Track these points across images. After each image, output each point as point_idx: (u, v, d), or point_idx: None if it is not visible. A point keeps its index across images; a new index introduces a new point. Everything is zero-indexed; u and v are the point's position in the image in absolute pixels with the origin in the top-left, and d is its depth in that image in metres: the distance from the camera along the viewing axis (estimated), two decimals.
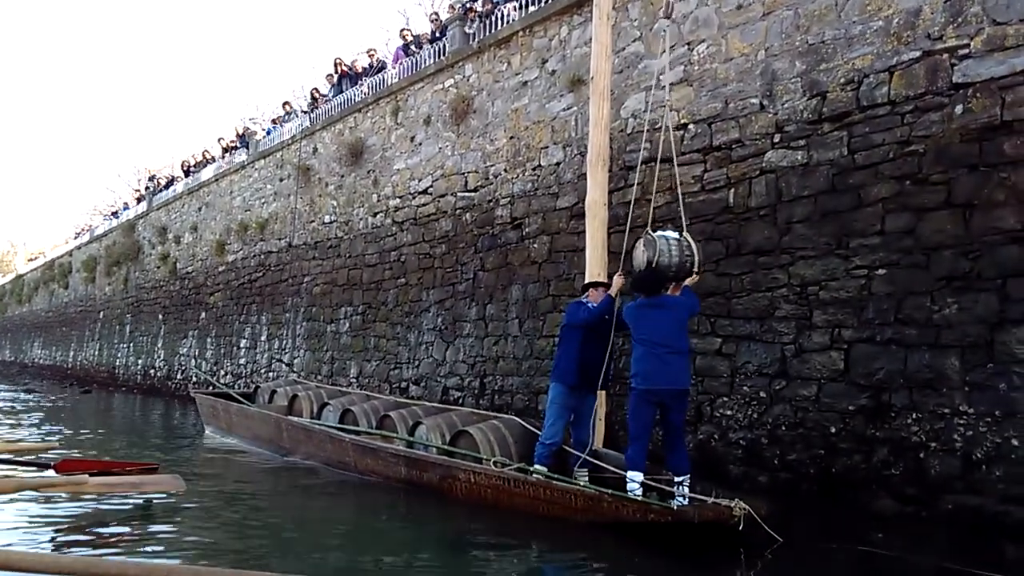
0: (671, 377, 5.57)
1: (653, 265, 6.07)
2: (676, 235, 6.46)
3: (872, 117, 6.33)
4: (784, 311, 6.72)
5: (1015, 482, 5.12)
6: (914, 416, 5.73)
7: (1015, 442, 5.17)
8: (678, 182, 7.03)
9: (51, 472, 6.42)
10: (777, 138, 7.01)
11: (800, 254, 6.68)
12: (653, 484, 5.57)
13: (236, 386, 14.89)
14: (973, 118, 5.69)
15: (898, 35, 6.22)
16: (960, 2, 5.85)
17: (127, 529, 5.76)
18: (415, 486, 6.83)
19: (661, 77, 7.68)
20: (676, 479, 5.53)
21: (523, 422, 7.24)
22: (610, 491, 5.27)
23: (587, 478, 6.32)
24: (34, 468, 6.83)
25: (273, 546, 5.41)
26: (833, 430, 6.20)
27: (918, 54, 6.08)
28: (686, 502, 5.36)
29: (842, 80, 6.57)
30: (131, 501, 6.36)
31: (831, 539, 5.34)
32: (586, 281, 7.22)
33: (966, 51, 5.80)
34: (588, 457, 6.39)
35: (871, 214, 6.23)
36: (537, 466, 6.23)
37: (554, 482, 5.65)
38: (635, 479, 5.45)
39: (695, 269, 6.41)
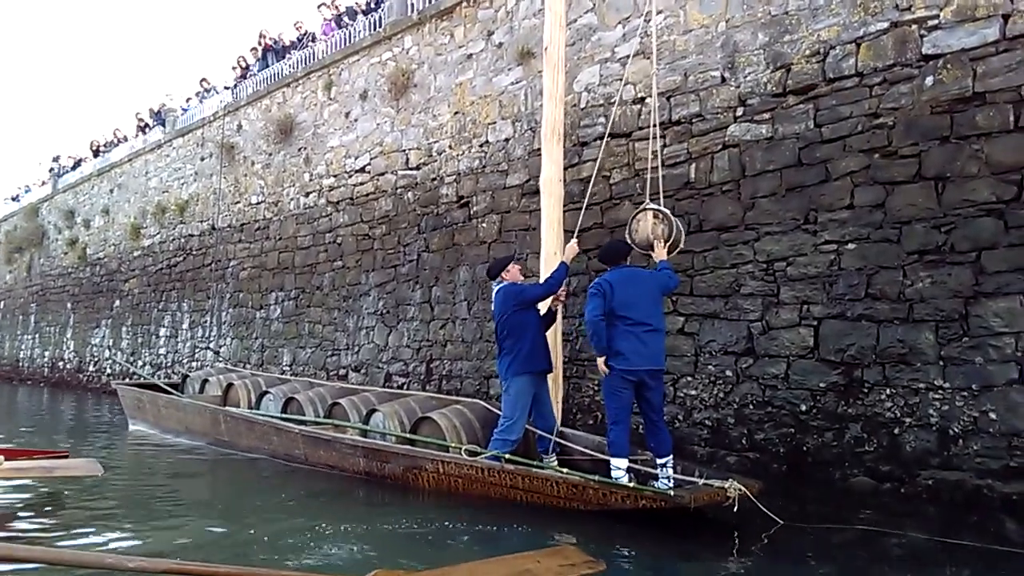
0: (650, 356, 5.32)
1: (670, 240, 5.91)
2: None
3: (839, 89, 6.22)
4: (750, 288, 6.59)
5: (993, 456, 5.10)
6: (887, 392, 5.67)
7: (992, 416, 5.15)
8: (660, 157, 6.66)
9: None
10: (740, 111, 6.86)
11: (766, 230, 6.55)
12: (633, 467, 5.34)
13: (156, 377, 14.08)
14: (944, 90, 5.64)
15: (865, 5, 6.12)
16: None
17: (44, 517, 5.41)
18: (375, 478, 6.44)
19: (644, 38, 7.41)
20: (659, 461, 5.30)
21: (487, 405, 6.91)
22: (596, 477, 5.01)
23: (556, 462, 6.07)
24: None
25: (214, 540, 4.99)
26: (803, 408, 6.11)
27: (886, 25, 5.99)
28: (670, 484, 5.15)
29: (807, 52, 6.44)
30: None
31: (806, 518, 5.22)
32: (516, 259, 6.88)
33: (935, 22, 5.73)
34: (557, 439, 6.13)
35: (839, 188, 6.14)
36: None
37: (533, 470, 5.35)
38: (620, 466, 5.17)
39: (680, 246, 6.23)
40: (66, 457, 6.61)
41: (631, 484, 4.99)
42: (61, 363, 20.35)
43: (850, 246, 6.01)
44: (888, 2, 5.99)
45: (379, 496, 6.26)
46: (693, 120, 7.19)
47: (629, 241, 6.11)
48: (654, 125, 6.61)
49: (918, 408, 5.49)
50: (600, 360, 5.44)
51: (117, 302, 17.90)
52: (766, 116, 6.66)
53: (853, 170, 6.06)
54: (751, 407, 6.43)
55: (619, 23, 7.90)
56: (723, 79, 7.01)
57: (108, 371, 17.68)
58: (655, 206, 6.11)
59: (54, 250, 21.82)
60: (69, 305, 20.35)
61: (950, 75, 5.61)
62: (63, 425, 12.47)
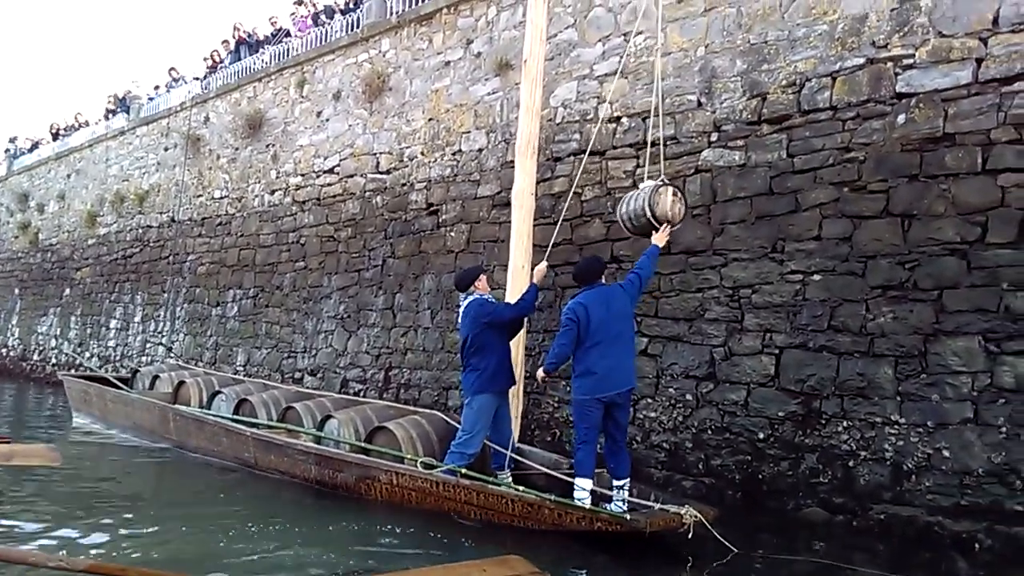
0: (622, 377, 5.30)
1: (681, 218, 5.97)
2: None
3: (813, 121, 6.28)
4: (714, 313, 6.60)
5: (945, 494, 5.15)
6: (844, 424, 5.70)
7: (946, 453, 5.20)
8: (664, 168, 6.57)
9: None
10: (714, 137, 6.88)
11: (733, 256, 6.58)
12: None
13: (104, 370, 13.71)
14: (915, 128, 5.71)
15: (842, 41, 6.19)
16: (907, 12, 5.86)
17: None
18: (327, 487, 6.29)
19: (624, 57, 7.39)
20: (616, 483, 5.26)
21: (446, 417, 6.80)
22: (552, 497, 4.95)
23: (510, 479, 6.00)
24: None
25: (158, 541, 4.87)
26: (761, 436, 6.11)
27: (862, 61, 6.07)
28: (625, 507, 5.11)
29: (783, 82, 6.50)
30: None
31: (759, 547, 5.21)
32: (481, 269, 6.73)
33: (910, 61, 5.82)
34: (513, 455, 6.06)
35: (808, 219, 6.18)
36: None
37: (490, 486, 5.26)
38: (584, 487, 5.13)
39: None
40: (7, 443, 6.37)
41: (587, 506, 4.94)
42: (4, 350, 19.72)
43: (815, 277, 6.05)
44: (865, 39, 6.06)
45: (328, 503, 6.14)
46: (667, 143, 7.18)
47: (648, 214, 5.81)
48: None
49: (873, 442, 5.52)
50: (542, 371, 5.66)
51: (67, 290, 17.43)
52: (740, 143, 6.70)
53: (822, 202, 6.11)
54: (709, 432, 6.42)
55: (599, 41, 7.91)
56: (699, 104, 7.04)
57: (53, 361, 17.18)
58: (670, 183, 6.04)
59: (4, 233, 21.20)
60: (17, 291, 19.77)
61: (922, 114, 5.69)
62: (2, 414, 12.07)
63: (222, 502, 6.17)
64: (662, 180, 5.99)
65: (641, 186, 6.11)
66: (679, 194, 5.98)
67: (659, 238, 5.91)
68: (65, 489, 6.41)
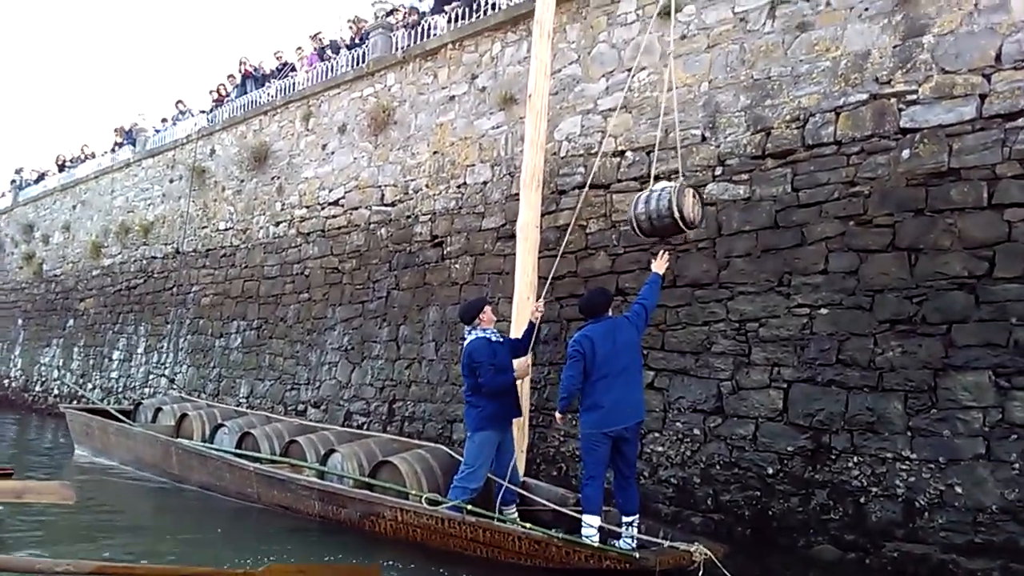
0: (630, 411, 5.27)
1: (698, 223, 5.96)
2: None
3: (817, 156, 6.30)
4: (721, 346, 6.58)
5: (958, 531, 5.08)
6: (855, 460, 5.65)
7: (959, 490, 5.14)
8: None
9: None
10: (719, 171, 6.91)
11: (740, 289, 6.56)
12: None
13: (106, 402, 13.65)
14: (920, 163, 5.73)
15: (846, 76, 6.24)
16: (909, 48, 5.91)
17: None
18: (331, 522, 6.22)
19: (628, 92, 7.43)
20: (625, 519, 5.21)
21: (450, 451, 6.75)
22: (560, 535, 4.89)
23: (516, 514, 5.94)
24: None
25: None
26: (770, 471, 6.05)
27: (865, 96, 6.11)
28: (634, 544, 5.05)
29: (787, 117, 6.53)
30: None
31: None
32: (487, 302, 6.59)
33: (914, 97, 5.85)
34: (518, 489, 6.00)
35: (814, 252, 6.18)
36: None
37: (496, 523, 5.21)
38: (592, 524, 5.08)
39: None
40: (10, 475, 6.31)
41: (595, 543, 4.88)
42: (7, 381, 19.67)
43: (823, 311, 6.04)
44: (868, 75, 6.11)
45: (330, 538, 6.09)
46: (672, 177, 7.21)
47: (676, 214, 5.73)
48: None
49: (885, 478, 5.47)
50: (558, 414, 5.70)
51: (71, 321, 17.42)
52: (744, 177, 6.72)
53: (828, 236, 6.11)
54: (718, 467, 6.36)
55: (603, 76, 7.97)
56: (703, 138, 7.07)
57: (56, 392, 17.12)
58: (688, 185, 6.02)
59: (8, 264, 21.25)
60: (20, 321, 19.76)
61: (926, 149, 5.71)
62: (3, 445, 12.00)
63: (219, 535, 6.11)
64: (681, 181, 5.96)
65: (656, 186, 6.10)
66: (698, 196, 5.98)
67: (659, 265, 5.97)
68: (63, 522, 6.36)
